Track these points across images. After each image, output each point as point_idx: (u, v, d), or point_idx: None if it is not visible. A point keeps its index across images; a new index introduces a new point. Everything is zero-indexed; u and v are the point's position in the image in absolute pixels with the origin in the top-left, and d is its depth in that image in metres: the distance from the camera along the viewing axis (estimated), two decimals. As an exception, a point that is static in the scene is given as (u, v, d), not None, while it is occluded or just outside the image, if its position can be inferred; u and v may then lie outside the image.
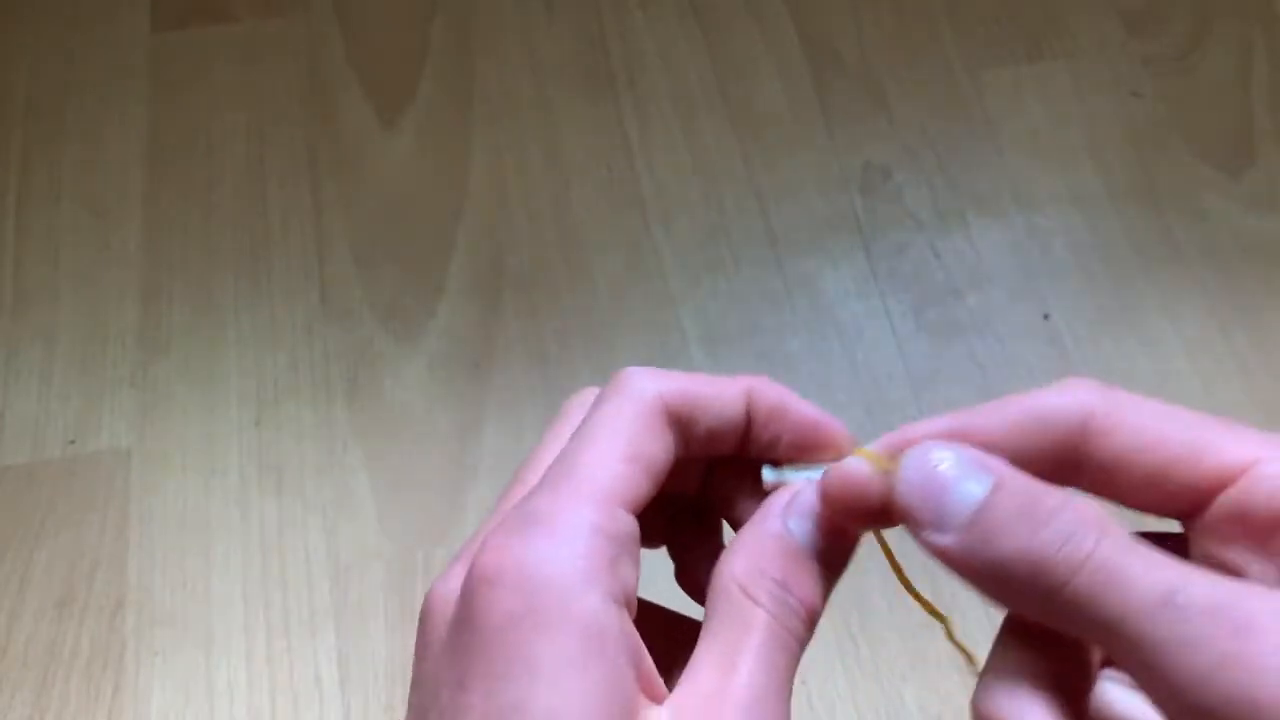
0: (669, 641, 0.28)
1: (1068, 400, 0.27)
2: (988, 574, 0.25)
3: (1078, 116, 0.96)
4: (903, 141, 0.95)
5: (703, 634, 0.27)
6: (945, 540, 0.25)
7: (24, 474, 0.81)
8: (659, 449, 0.28)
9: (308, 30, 1.02)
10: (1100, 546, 0.24)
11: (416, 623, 0.28)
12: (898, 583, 0.31)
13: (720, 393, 0.29)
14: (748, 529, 0.29)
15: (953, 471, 0.26)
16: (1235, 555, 0.26)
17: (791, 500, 0.29)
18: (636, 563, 0.27)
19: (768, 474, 0.30)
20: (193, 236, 0.92)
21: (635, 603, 0.27)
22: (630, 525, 0.27)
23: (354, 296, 0.89)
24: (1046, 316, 0.87)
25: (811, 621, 0.28)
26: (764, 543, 0.28)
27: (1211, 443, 0.26)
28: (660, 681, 0.27)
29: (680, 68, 0.99)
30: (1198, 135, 0.95)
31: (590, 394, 0.30)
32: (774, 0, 1.02)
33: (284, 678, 0.74)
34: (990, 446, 0.27)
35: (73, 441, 0.83)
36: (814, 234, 0.91)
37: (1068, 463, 0.27)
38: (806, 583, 0.28)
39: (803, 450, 0.30)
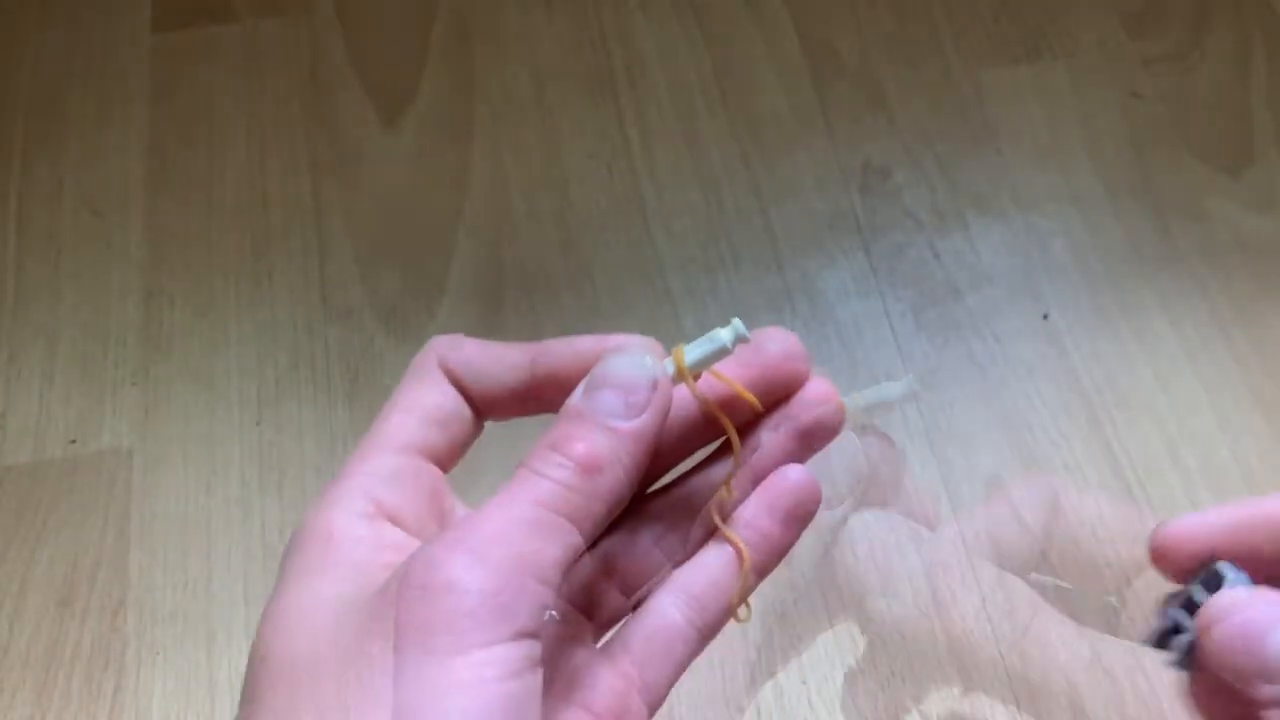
0: None
1: None
2: None
3: (1078, 117, 0.96)
4: (903, 141, 0.95)
5: None
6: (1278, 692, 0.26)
7: (25, 474, 0.82)
8: (436, 396, 0.33)
9: (308, 30, 1.02)
10: None
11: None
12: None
13: (501, 351, 0.33)
14: None
15: (1263, 617, 0.27)
16: None
17: (586, 379, 0.31)
18: (415, 484, 0.32)
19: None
20: (193, 236, 0.92)
21: (412, 512, 0.31)
22: (396, 460, 0.31)
23: (354, 296, 0.89)
24: (1046, 316, 0.87)
25: (587, 469, 0.29)
26: (554, 424, 0.31)
27: None
28: None
29: (680, 68, 0.99)
30: (1198, 135, 0.95)
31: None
32: (774, 0, 1.03)
33: (284, 677, 0.74)
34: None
35: (74, 441, 0.83)
36: (814, 234, 0.91)
37: None
38: (580, 439, 0.29)
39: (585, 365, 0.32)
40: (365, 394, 0.85)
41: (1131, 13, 1.01)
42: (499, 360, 0.33)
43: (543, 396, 0.32)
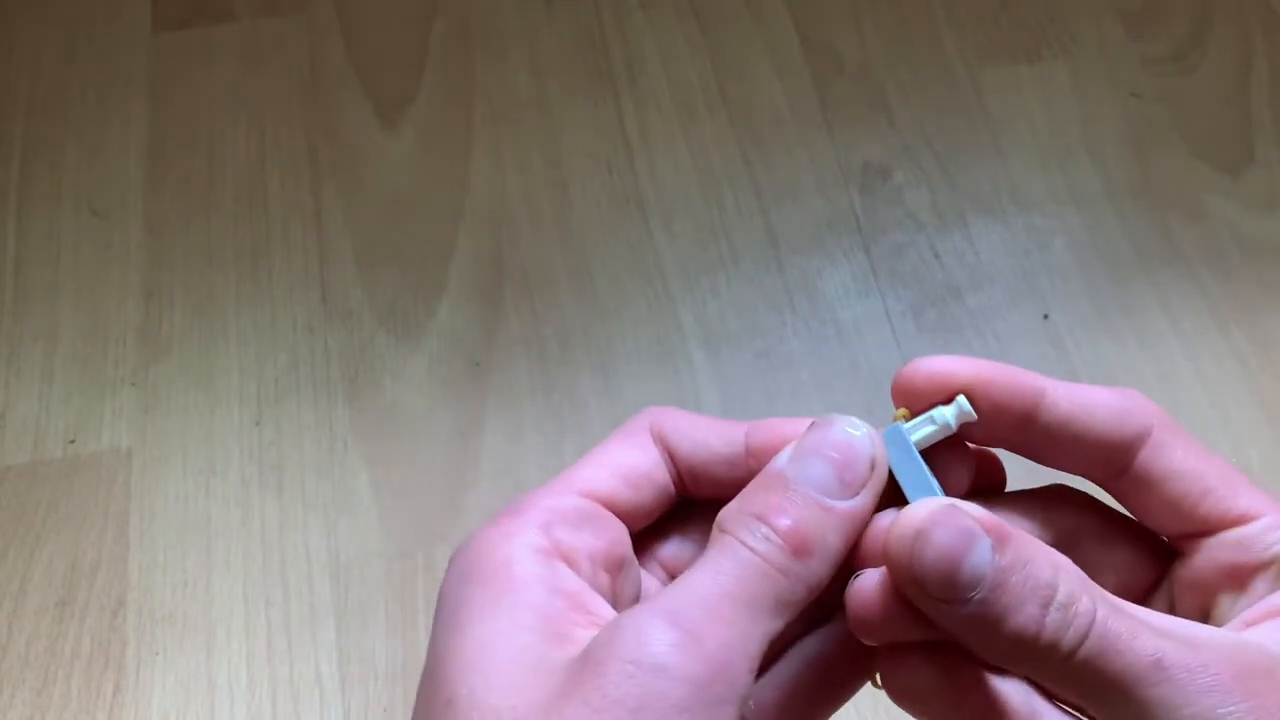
0: None
1: (1144, 406, 0.31)
2: (1002, 647, 0.26)
3: (1077, 116, 0.96)
4: (903, 141, 0.95)
5: None
6: (961, 612, 0.26)
7: (25, 474, 0.82)
8: (635, 456, 0.32)
9: (308, 30, 1.02)
10: (1097, 615, 0.26)
11: (416, 621, 0.29)
12: None
13: (714, 423, 0.32)
14: None
15: (958, 542, 0.27)
16: (1211, 587, 0.30)
17: (795, 443, 0.29)
18: (594, 530, 0.30)
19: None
20: (193, 236, 0.92)
21: (587, 555, 0.30)
22: (578, 503, 0.30)
23: (354, 296, 0.89)
24: (1046, 316, 0.87)
25: (796, 550, 0.27)
26: (753, 486, 0.29)
27: (1238, 489, 0.30)
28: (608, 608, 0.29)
29: (680, 68, 0.99)
30: (1198, 135, 0.95)
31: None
32: (774, 0, 1.02)
33: (284, 677, 0.74)
34: (1059, 419, 0.30)
35: (73, 441, 0.83)
36: (814, 234, 0.91)
37: (1116, 460, 0.30)
38: (788, 514, 0.28)
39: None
40: (365, 394, 0.85)
41: (1131, 13, 1.01)
42: (711, 428, 0.32)
43: (754, 470, 0.30)
